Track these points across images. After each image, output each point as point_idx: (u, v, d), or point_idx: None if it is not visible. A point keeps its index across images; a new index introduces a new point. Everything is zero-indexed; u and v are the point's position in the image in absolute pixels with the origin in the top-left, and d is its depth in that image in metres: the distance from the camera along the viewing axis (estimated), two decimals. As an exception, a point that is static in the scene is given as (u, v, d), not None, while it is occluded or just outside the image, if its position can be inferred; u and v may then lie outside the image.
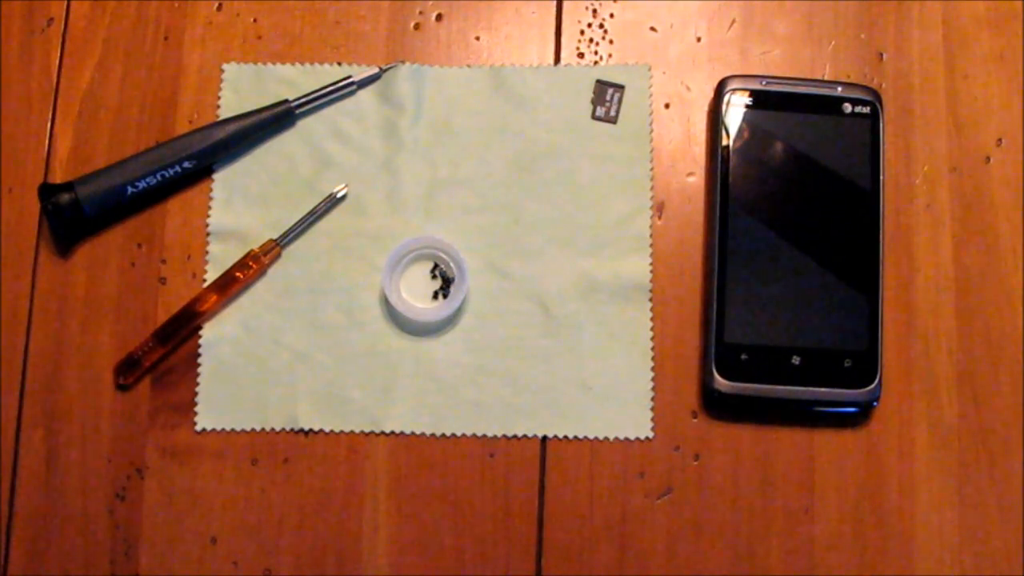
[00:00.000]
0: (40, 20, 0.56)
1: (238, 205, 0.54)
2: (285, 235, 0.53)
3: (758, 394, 0.51)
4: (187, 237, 0.54)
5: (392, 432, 0.52)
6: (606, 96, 0.55)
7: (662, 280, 0.53)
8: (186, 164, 0.53)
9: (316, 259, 0.53)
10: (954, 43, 0.56)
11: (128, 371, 0.51)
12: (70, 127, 0.55)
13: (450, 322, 0.53)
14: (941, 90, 0.55)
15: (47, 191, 0.51)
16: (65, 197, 0.51)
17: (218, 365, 0.52)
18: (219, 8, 0.56)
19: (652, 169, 0.54)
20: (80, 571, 0.51)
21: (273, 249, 0.53)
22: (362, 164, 0.54)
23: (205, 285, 0.53)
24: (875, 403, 0.51)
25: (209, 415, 0.52)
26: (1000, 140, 0.55)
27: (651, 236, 0.54)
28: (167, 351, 0.52)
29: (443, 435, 0.52)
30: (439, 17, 0.56)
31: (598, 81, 0.55)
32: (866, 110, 0.53)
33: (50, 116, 0.55)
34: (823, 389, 0.51)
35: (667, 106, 0.55)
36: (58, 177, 0.54)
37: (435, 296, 0.53)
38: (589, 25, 0.56)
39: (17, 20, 0.56)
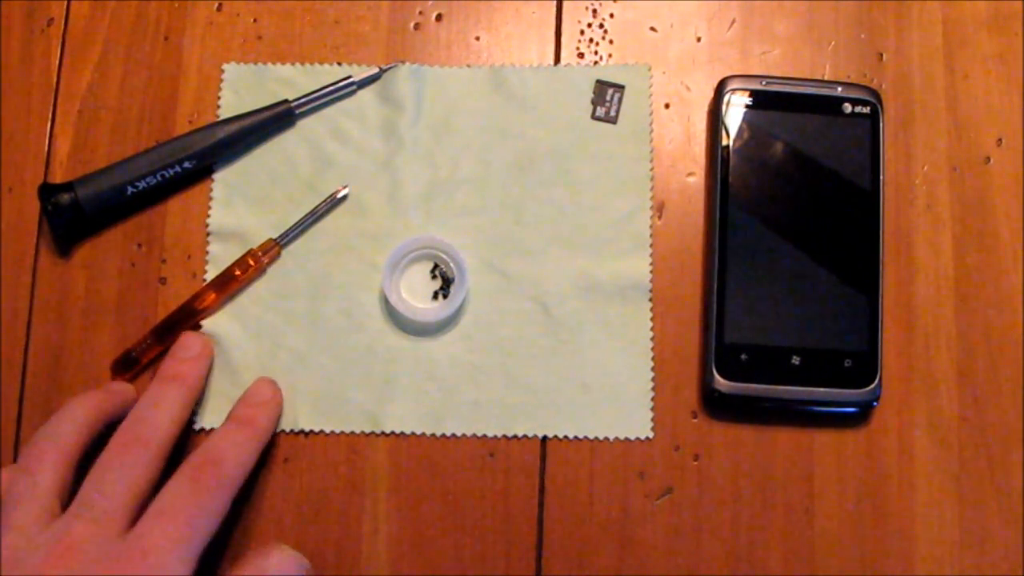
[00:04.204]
0: (40, 20, 0.56)
1: (238, 205, 0.54)
2: (285, 235, 0.53)
3: (758, 394, 0.51)
4: (187, 237, 0.54)
5: (392, 432, 0.52)
6: (606, 96, 0.55)
7: (662, 280, 0.53)
8: (186, 164, 0.53)
9: (316, 259, 0.53)
10: (954, 43, 0.56)
11: (124, 368, 0.51)
12: (70, 127, 0.55)
13: (450, 322, 0.53)
14: (941, 90, 0.55)
15: (47, 191, 0.51)
16: (65, 197, 0.51)
17: (218, 365, 0.52)
18: (219, 8, 0.56)
19: (652, 169, 0.54)
20: (80, 571, 0.51)
21: (273, 248, 0.53)
22: (362, 164, 0.54)
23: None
24: (875, 403, 0.51)
25: (209, 415, 0.52)
26: (1000, 140, 0.55)
27: (651, 236, 0.54)
28: (165, 349, 0.52)
29: (443, 435, 0.52)
30: (439, 17, 0.56)
31: (598, 81, 0.55)
32: (866, 110, 0.53)
33: (50, 116, 0.55)
34: (823, 389, 0.51)
35: (667, 106, 0.55)
36: (58, 177, 0.54)
37: (435, 296, 0.53)
38: (589, 25, 0.56)
39: (17, 20, 0.56)
